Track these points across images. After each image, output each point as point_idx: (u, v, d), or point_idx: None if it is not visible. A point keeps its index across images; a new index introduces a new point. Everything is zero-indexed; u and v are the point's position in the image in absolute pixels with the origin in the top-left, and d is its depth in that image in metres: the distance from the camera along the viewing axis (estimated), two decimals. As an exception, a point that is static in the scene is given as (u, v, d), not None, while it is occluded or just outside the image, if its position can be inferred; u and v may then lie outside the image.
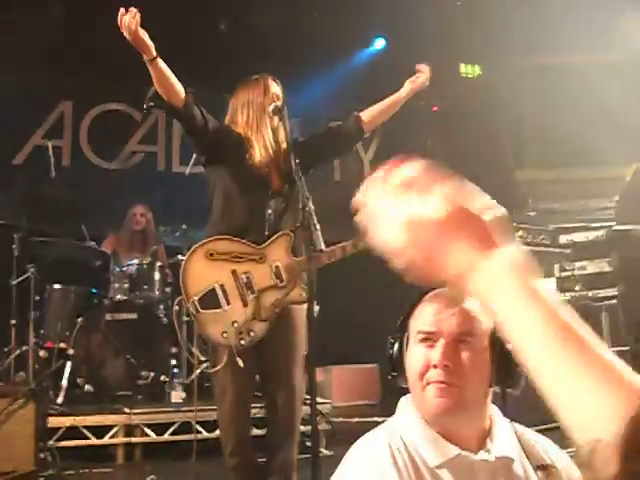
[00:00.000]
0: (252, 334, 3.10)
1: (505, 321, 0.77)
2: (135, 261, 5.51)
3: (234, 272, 3.12)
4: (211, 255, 3.12)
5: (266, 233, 3.20)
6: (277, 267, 3.17)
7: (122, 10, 2.89)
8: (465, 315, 1.40)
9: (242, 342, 3.07)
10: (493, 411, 1.48)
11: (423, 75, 3.63)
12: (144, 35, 2.93)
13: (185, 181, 5.51)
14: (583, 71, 6.90)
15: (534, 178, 7.03)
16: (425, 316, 1.43)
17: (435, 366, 1.38)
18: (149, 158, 7.15)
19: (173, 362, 5.37)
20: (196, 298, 3.06)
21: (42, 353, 5.04)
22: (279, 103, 3.22)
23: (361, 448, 1.48)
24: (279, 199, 3.26)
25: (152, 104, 3.18)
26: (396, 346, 1.50)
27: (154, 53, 2.98)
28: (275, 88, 3.35)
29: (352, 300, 6.16)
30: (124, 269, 5.47)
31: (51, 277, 5.40)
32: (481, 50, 7.49)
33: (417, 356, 1.41)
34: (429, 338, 1.41)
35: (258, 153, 3.24)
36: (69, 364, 5.01)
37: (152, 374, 5.24)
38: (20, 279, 5.21)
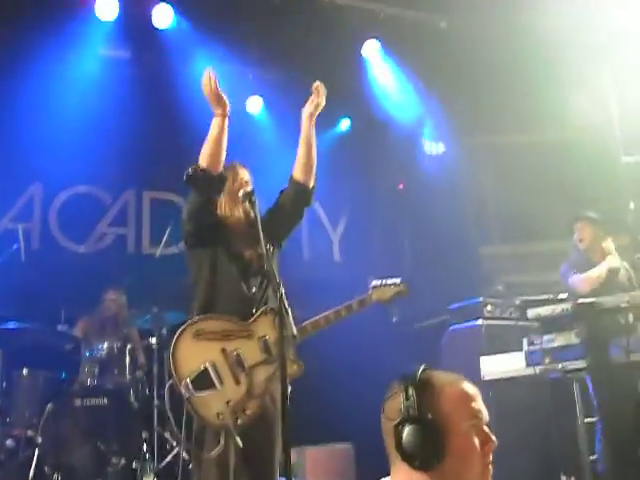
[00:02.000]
0: (247, 412, 3.07)
1: None
2: (106, 345, 5.46)
3: (224, 350, 3.12)
4: (199, 335, 3.11)
5: (253, 310, 3.24)
6: (265, 342, 3.18)
7: (209, 68, 3.25)
8: None
9: (238, 421, 3.02)
10: None
11: (316, 97, 3.58)
12: (223, 92, 3.23)
13: (155, 263, 5.55)
14: (540, 149, 7.17)
15: (498, 253, 7.19)
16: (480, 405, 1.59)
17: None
18: (119, 240, 7.17)
19: (144, 448, 5.26)
20: (189, 380, 3.01)
21: (8, 442, 4.91)
22: (248, 188, 3.31)
23: None
24: (261, 277, 3.31)
25: (191, 173, 3.25)
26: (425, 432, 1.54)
27: (228, 111, 3.25)
28: (244, 174, 3.48)
29: (324, 378, 6.15)
30: (94, 354, 5.42)
31: (19, 363, 5.31)
32: (444, 128, 7.76)
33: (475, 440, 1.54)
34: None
35: (237, 235, 3.35)
36: (37, 452, 4.88)
37: (123, 460, 5.12)
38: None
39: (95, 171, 6.74)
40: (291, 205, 3.58)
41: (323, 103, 3.58)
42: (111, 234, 7.14)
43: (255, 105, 7.50)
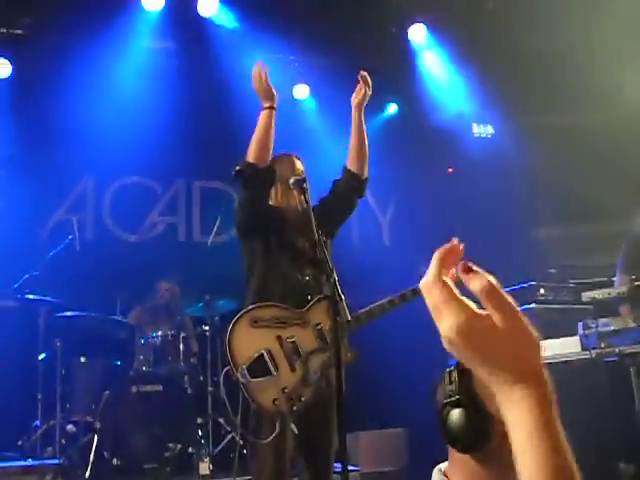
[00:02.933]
0: (303, 399, 3.08)
1: (514, 440, 0.82)
2: (160, 333, 5.56)
3: (279, 337, 3.14)
4: (255, 322, 3.14)
5: (307, 297, 3.25)
6: (320, 330, 3.20)
7: (259, 62, 3.35)
8: None
9: (294, 408, 3.04)
10: None
11: (361, 87, 3.58)
12: (271, 85, 3.32)
13: (207, 252, 5.61)
14: (592, 129, 7.00)
15: (551, 235, 7.06)
16: None
17: None
18: (170, 229, 7.27)
19: (200, 433, 5.35)
20: (244, 366, 3.04)
21: (69, 427, 5.05)
22: (300, 177, 3.33)
23: None
24: (315, 265, 3.31)
25: (239, 169, 3.33)
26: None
27: (275, 103, 3.32)
28: (298, 164, 3.52)
29: (377, 364, 6.15)
30: (149, 341, 5.52)
31: (77, 351, 5.46)
32: (493, 110, 7.65)
33: None
34: None
35: (289, 224, 3.39)
36: (96, 438, 5.01)
37: (179, 446, 5.22)
38: (46, 354, 5.29)
39: (145, 161, 6.82)
40: (345, 195, 3.61)
41: (370, 92, 3.59)
42: (162, 223, 7.25)
43: (302, 92, 7.49)
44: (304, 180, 3.23)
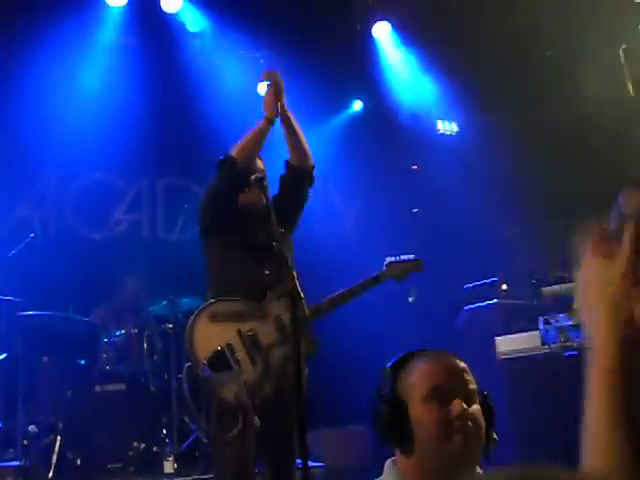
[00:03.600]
0: (265, 392, 3.10)
1: (591, 384, 0.94)
2: (123, 331, 5.51)
3: (239, 331, 3.15)
4: (214, 317, 3.15)
5: (267, 292, 3.26)
6: (280, 321, 3.21)
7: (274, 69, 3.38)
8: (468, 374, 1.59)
9: (256, 402, 3.04)
10: None
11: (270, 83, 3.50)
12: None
13: (170, 249, 5.57)
14: (555, 125, 7.09)
15: (513, 232, 7.14)
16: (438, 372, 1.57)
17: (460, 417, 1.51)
18: (134, 227, 7.21)
19: (164, 432, 5.32)
20: (206, 362, 3.04)
21: (31, 428, 4.98)
22: (259, 175, 3.33)
23: None
24: (273, 260, 3.31)
25: (223, 159, 3.40)
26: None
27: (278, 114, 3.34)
28: (259, 162, 3.52)
29: (339, 361, 6.17)
30: (113, 340, 5.47)
31: (39, 350, 5.37)
32: (458, 107, 7.72)
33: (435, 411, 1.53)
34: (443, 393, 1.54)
35: (249, 220, 3.40)
36: (59, 438, 4.95)
37: (143, 445, 5.18)
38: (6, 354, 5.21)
39: (109, 158, 6.74)
40: (292, 189, 3.62)
41: (281, 85, 3.46)
42: (126, 221, 7.18)
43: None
44: (263, 178, 3.25)
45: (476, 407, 1.55)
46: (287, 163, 3.61)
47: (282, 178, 3.64)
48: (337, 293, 3.38)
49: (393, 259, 3.56)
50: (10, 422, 5.06)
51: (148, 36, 6.95)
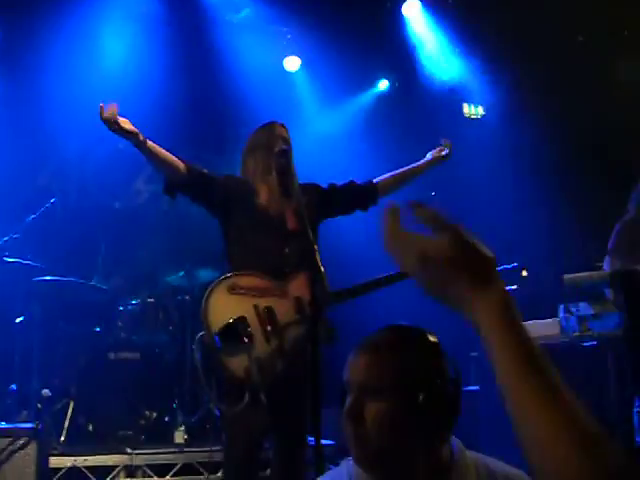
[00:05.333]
0: (276, 370, 3.05)
1: (489, 345, 0.90)
2: (139, 300, 5.52)
3: (256, 307, 3.09)
4: (233, 289, 3.10)
5: (286, 270, 3.21)
6: (299, 302, 3.14)
7: (101, 104, 3.03)
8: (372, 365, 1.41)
9: (264, 378, 2.99)
10: (456, 453, 1.46)
11: (447, 149, 3.71)
12: (126, 124, 3.07)
13: (190, 220, 5.54)
14: (586, 110, 6.96)
15: (534, 218, 7.04)
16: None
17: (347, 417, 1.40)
18: (154, 197, 7.19)
19: (176, 402, 5.34)
20: (218, 332, 3.00)
21: (45, 392, 5.02)
22: (285, 146, 3.28)
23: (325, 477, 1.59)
24: (296, 238, 3.23)
25: (170, 193, 3.35)
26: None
27: (142, 136, 3.11)
28: (281, 131, 3.43)
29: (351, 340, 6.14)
30: (128, 308, 5.49)
31: (56, 315, 5.41)
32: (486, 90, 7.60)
33: None
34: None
35: (265, 195, 3.33)
36: (72, 403, 4.99)
37: (154, 414, 5.21)
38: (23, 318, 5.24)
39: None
40: (356, 200, 3.65)
41: (448, 158, 3.74)
42: (147, 191, 7.16)
43: (293, 64, 7.39)
44: (289, 150, 3.21)
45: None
46: (373, 185, 3.64)
47: (355, 185, 3.65)
48: (361, 283, 3.27)
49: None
50: (25, 385, 5.10)
51: (174, 7, 6.88)
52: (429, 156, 3.73)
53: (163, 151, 3.22)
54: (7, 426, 4.40)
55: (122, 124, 3.06)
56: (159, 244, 6.04)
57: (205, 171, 3.38)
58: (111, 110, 3.03)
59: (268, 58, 7.06)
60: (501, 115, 7.27)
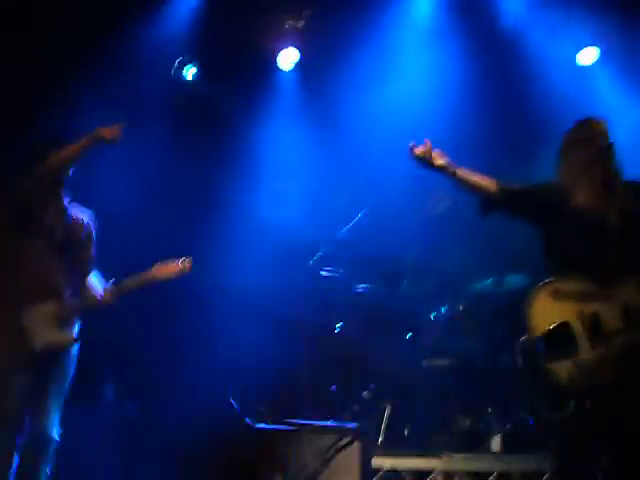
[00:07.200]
0: (601, 379, 2.96)
1: None
2: (448, 307, 5.61)
3: (581, 312, 3.04)
4: (556, 294, 3.08)
5: (610, 273, 3.09)
6: (627, 308, 3.02)
7: (412, 143, 3.20)
8: None
9: (590, 385, 2.94)
10: None
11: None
12: (438, 159, 3.22)
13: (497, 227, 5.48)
14: None
15: None
16: None
17: None
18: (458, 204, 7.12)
19: (490, 409, 5.31)
20: (542, 338, 3.01)
21: (365, 394, 5.31)
22: (606, 140, 3.15)
23: None
24: (621, 237, 3.13)
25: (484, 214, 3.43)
26: None
27: (452, 168, 3.26)
28: (600, 126, 3.31)
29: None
30: (437, 316, 5.61)
31: (368, 324, 5.70)
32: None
33: None
34: None
35: (584, 194, 3.23)
36: (389, 407, 5.20)
37: (467, 421, 5.23)
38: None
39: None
40: None
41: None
42: (450, 199, 7.06)
43: (588, 56, 6.88)
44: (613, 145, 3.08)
45: None
46: None
47: None
48: None
49: None
50: (345, 387, 5.43)
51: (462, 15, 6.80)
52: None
53: (473, 177, 3.32)
54: (334, 424, 4.72)
55: (435, 161, 3.20)
56: (466, 251, 6.05)
57: (516, 188, 3.39)
58: (426, 146, 3.18)
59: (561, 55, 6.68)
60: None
